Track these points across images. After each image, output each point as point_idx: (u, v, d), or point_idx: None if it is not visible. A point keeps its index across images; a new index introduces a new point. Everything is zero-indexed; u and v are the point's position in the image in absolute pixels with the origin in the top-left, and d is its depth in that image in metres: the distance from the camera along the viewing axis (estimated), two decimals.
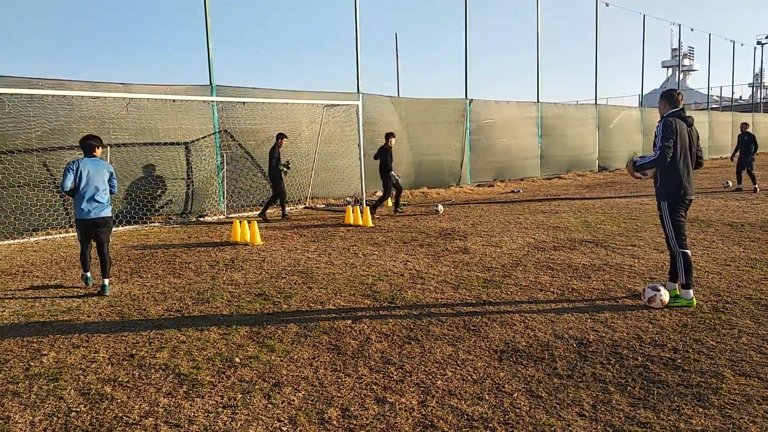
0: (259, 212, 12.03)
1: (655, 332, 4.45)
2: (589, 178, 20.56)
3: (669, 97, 5.29)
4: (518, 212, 11.84)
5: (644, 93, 30.03)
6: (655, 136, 5.14)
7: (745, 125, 15.23)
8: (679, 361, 3.89)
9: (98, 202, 6.21)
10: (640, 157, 5.26)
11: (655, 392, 3.43)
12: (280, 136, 11.80)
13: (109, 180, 6.37)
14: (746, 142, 14.82)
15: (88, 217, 6.16)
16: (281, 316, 5.15)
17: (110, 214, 6.36)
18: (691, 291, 5.14)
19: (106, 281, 6.23)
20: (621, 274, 6.29)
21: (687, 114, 5.26)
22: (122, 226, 10.83)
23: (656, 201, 5.33)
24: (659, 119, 5.25)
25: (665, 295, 5.06)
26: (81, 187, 6.13)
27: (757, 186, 14.40)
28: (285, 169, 11.75)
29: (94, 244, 6.38)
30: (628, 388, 3.50)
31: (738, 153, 15.06)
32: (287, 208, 12.38)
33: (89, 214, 6.16)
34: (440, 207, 12.29)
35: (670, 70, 64.58)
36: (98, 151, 6.46)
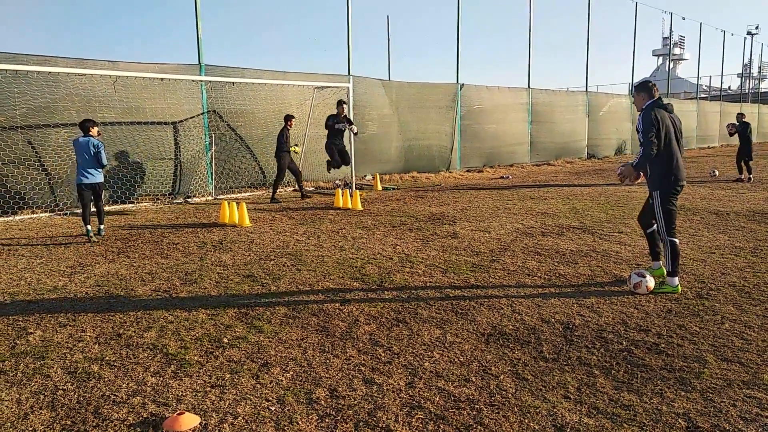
0: (270, 198, 11.89)
1: (640, 317, 4.51)
2: (578, 165, 20.65)
3: (645, 88, 5.25)
4: (507, 198, 11.88)
5: (634, 81, 30.13)
6: (638, 131, 5.10)
7: (741, 116, 14.94)
8: (662, 346, 3.95)
9: (87, 171, 7.73)
10: (635, 160, 5.17)
11: (639, 376, 3.49)
12: (288, 118, 11.76)
13: (96, 154, 7.71)
14: (744, 131, 14.46)
15: (80, 182, 7.76)
16: (270, 298, 5.15)
17: (100, 180, 7.87)
18: (676, 279, 5.19)
19: (102, 226, 8.04)
20: (608, 261, 6.35)
21: (666, 102, 5.22)
22: (109, 206, 10.72)
23: (648, 191, 5.35)
24: (641, 110, 5.18)
25: (650, 282, 5.12)
26: (76, 160, 7.80)
27: (751, 176, 14.31)
28: (295, 150, 12.03)
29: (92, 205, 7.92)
30: (613, 371, 3.56)
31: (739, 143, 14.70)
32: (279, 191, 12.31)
33: (82, 180, 7.75)
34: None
35: (661, 58, 64.76)
36: (93, 131, 7.84)
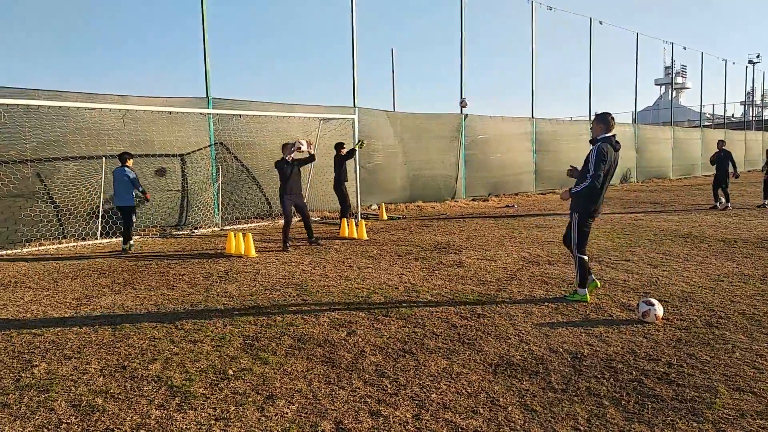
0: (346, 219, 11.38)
1: (649, 347, 4.46)
2: None
3: (605, 121, 5.66)
4: (513, 227, 11.87)
5: (638, 110, 30.34)
6: (587, 162, 5.54)
7: (721, 143, 15.38)
8: (673, 375, 3.89)
9: (121, 195, 9.41)
10: (575, 186, 5.65)
11: (650, 406, 3.43)
12: (339, 146, 12.00)
13: (132, 180, 9.35)
14: (722, 159, 14.92)
15: (116, 205, 9.61)
16: (275, 328, 5.13)
17: (131, 204, 9.47)
18: (585, 290, 5.78)
19: (125, 246, 9.51)
20: (615, 289, 6.30)
21: (617, 140, 5.71)
22: (116, 237, 10.78)
23: (571, 207, 5.80)
24: (593, 141, 5.65)
25: (659, 310, 5.07)
26: (114, 186, 9.53)
27: (728, 204, 14.55)
28: (360, 146, 12.24)
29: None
30: (623, 402, 3.50)
31: (715, 170, 15.13)
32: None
33: (117, 203, 9.52)
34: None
35: (663, 87, 65.29)
36: (129, 162, 9.52)
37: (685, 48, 31.38)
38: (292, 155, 9.35)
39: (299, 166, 9.48)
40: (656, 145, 28.20)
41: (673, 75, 40.77)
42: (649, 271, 7.22)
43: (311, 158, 9.75)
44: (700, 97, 33.19)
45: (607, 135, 5.61)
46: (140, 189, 9.51)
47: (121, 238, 9.72)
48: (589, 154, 5.59)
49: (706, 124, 40.19)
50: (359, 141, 12.43)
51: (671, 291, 6.18)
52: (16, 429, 3.30)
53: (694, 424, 3.19)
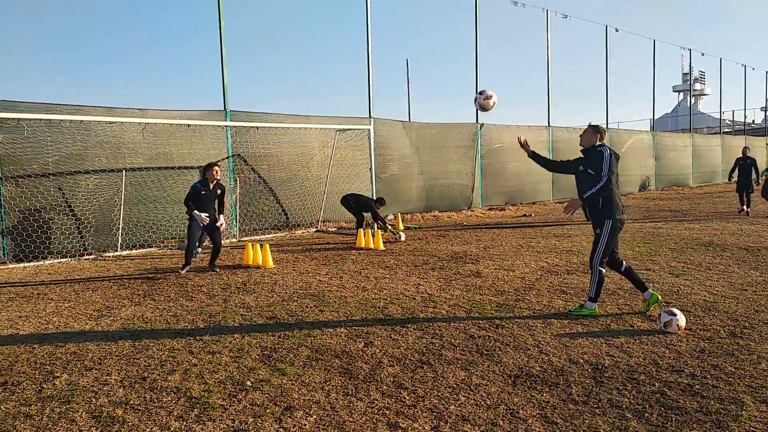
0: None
1: (672, 357, 4.38)
2: None
3: (600, 131, 5.80)
4: (530, 236, 11.78)
5: (656, 117, 30.05)
6: (592, 165, 5.59)
7: (746, 149, 15.57)
8: (697, 387, 3.81)
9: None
10: (587, 192, 5.56)
11: (673, 419, 3.36)
12: (381, 202, 12.64)
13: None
14: (747, 166, 15.07)
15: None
16: (293, 339, 5.13)
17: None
18: (595, 304, 5.67)
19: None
20: (636, 299, 6.21)
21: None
22: (135, 250, 10.91)
23: (596, 222, 5.66)
24: (592, 147, 5.69)
25: (682, 320, 4.99)
26: None
27: (749, 210, 14.58)
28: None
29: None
30: (646, 414, 3.43)
31: (737, 176, 15.20)
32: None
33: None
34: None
35: (682, 94, 64.53)
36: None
37: (703, 54, 31.13)
38: (216, 180, 8.52)
39: (222, 195, 8.64)
40: (675, 152, 27.88)
41: (692, 81, 40.27)
42: (670, 280, 7.11)
43: (221, 209, 8.70)
44: (719, 104, 32.76)
45: (602, 143, 5.74)
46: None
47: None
48: (593, 158, 5.59)
49: (726, 130, 39.64)
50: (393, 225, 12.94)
51: (694, 300, 6.08)
52: None
53: None
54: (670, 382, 3.90)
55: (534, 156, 6.24)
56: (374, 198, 13.00)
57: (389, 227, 12.26)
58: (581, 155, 5.81)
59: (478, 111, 5.30)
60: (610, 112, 24.00)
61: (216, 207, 8.67)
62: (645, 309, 5.69)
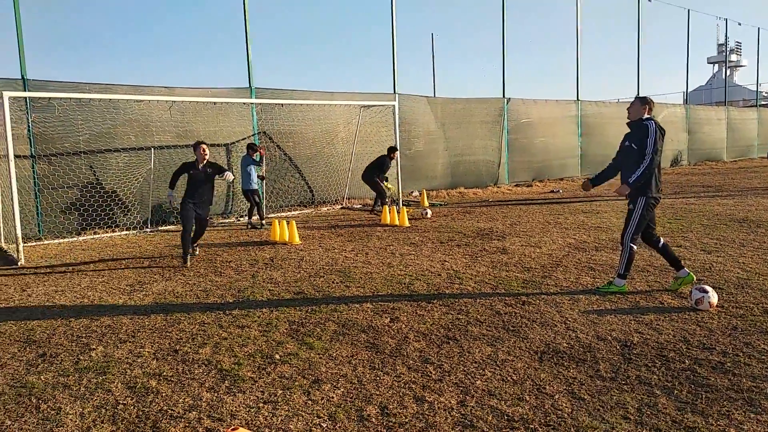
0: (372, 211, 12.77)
1: (703, 335, 4.31)
2: None
3: (649, 102, 5.52)
4: (558, 212, 11.64)
5: (689, 90, 29.17)
6: (639, 139, 5.32)
7: None
8: (728, 364, 3.75)
9: (244, 180, 10.85)
10: (632, 174, 5.33)
11: (704, 396, 3.32)
12: (392, 150, 12.67)
13: (248, 166, 10.76)
14: None
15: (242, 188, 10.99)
16: (320, 314, 5.20)
17: (250, 187, 10.85)
18: (624, 281, 5.57)
19: (251, 219, 11.23)
20: (666, 276, 6.11)
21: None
22: (165, 226, 11.11)
23: (630, 197, 5.45)
24: (639, 120, 5.43)
25: (713, 297, 4.90)
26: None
27: None
28: (387, 187, 12.73)
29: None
30: (675, 391, 3.40)
31: None
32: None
33: (242, 186, 10.95)
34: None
35: (716, 66, 62.43)
36: (251, 152, 10.80)
37: (740, 24, 30.04)
38: (206, 159, 7.81)
39: (213, 175, 7.87)
40: (709, 126, 27.08)
41: (727, 53, 38.87)
42: (702, 257, 6.97)
43: (224, 170, 7.97)
44: (756, 75, 31.56)
45: (650, 117, 5.44)
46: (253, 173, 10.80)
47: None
48: (638, 132, 5.32)
49: (763, 103, 38.29)
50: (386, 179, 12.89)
51: (726, 277, 5.95)
52: (76, 409, 3.46)
53: (752, 415, 3.07)
54: (701, 360, 3.85)
55: (597, 180, 5.86)
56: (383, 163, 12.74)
57: (387, 194, 12.70)
58: (628, 129, 5.55)
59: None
60: (643, 85, 23.33)
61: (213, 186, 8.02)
62: (675, 286, 5.59)
